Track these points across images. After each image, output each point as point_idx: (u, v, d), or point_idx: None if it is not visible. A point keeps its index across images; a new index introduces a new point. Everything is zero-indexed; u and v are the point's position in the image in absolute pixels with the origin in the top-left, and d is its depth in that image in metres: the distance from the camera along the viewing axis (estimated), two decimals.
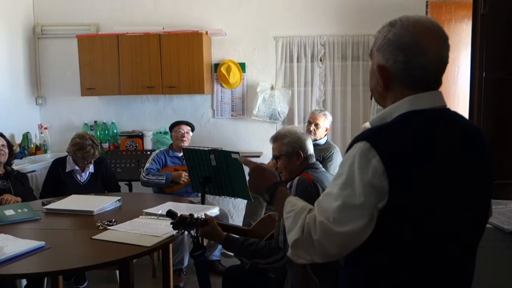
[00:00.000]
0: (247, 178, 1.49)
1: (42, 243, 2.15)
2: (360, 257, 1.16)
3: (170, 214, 2.05)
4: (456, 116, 1.21)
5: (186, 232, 2.10)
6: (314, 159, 2.35)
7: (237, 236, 2.25)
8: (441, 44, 1.15)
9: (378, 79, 1.19)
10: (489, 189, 1.21)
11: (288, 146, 2.27)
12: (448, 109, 1.19)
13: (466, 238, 1.18)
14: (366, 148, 1.08)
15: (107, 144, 5.04)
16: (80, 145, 3.49)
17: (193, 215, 2.10)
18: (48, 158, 4.66)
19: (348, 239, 1.11)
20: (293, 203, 1.28)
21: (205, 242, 3.54)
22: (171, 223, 2.07)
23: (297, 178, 2.14)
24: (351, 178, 1.09)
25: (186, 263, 3.74)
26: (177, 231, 2.09)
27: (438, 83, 1.18)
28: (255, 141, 5.02)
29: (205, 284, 2.14)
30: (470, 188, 1.15)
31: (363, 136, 1.11)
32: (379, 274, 1.15)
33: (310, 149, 2.33)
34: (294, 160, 2.27)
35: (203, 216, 2.15)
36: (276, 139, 2.35)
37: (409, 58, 1.13)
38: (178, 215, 2.07)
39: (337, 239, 1.11)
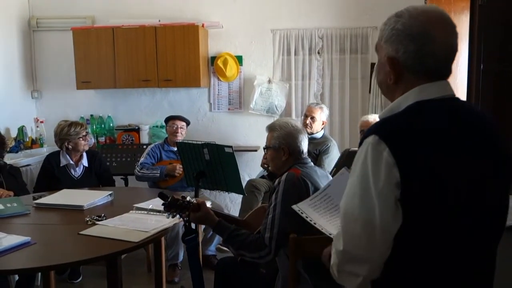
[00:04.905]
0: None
1: (27, 238, 2.11)
2: None
3: (161, 195, 2.05)
4: (466, 105, 1.21)
5: (178, 215, 2.09)
6: (305, 155, 2.29)
7: (229, 224, 2.22)
8: (450, 32, 1.15)
9: (387, 71, 1.19)
10: (506, 179, 1.18)
11: (276, 140, 2.23)
12: (458, 99, 1.18)
13: (482, 231, 1.15)
14: (375, 141, 1.09)
15: (103, 138, 5.00)
16: (66, 125, 3.54)
17: (185, 197, 2.09)
18: (44, 152, 4.62)
19: (381, 232, 1.09)
20: None
21: (200, 237, 3.53)
22: (162, 204, 2.06)
23: (285, 174, 2.11)
24: (366, 173, 1.09)
25: (181, 258, 3.70)
26: (168, 213, 2.07)
27: (449, 71, 1.17)
28: (253, 135, 4.97)
29: (196, 268, 2.15)
30: (484, 176, 1.12)
31: (372, 130, 1.12)
32: (396, 267, 1.12)
33: (302, 146, 2.25)
34: (280, 155, 2.23)
35: (195, 201, 2.12)
36: (270, 129, 2.31)
37: (420, 46, 1.12)
38: (170, 196, 2.07)
39: (377, 236, 1.09)
